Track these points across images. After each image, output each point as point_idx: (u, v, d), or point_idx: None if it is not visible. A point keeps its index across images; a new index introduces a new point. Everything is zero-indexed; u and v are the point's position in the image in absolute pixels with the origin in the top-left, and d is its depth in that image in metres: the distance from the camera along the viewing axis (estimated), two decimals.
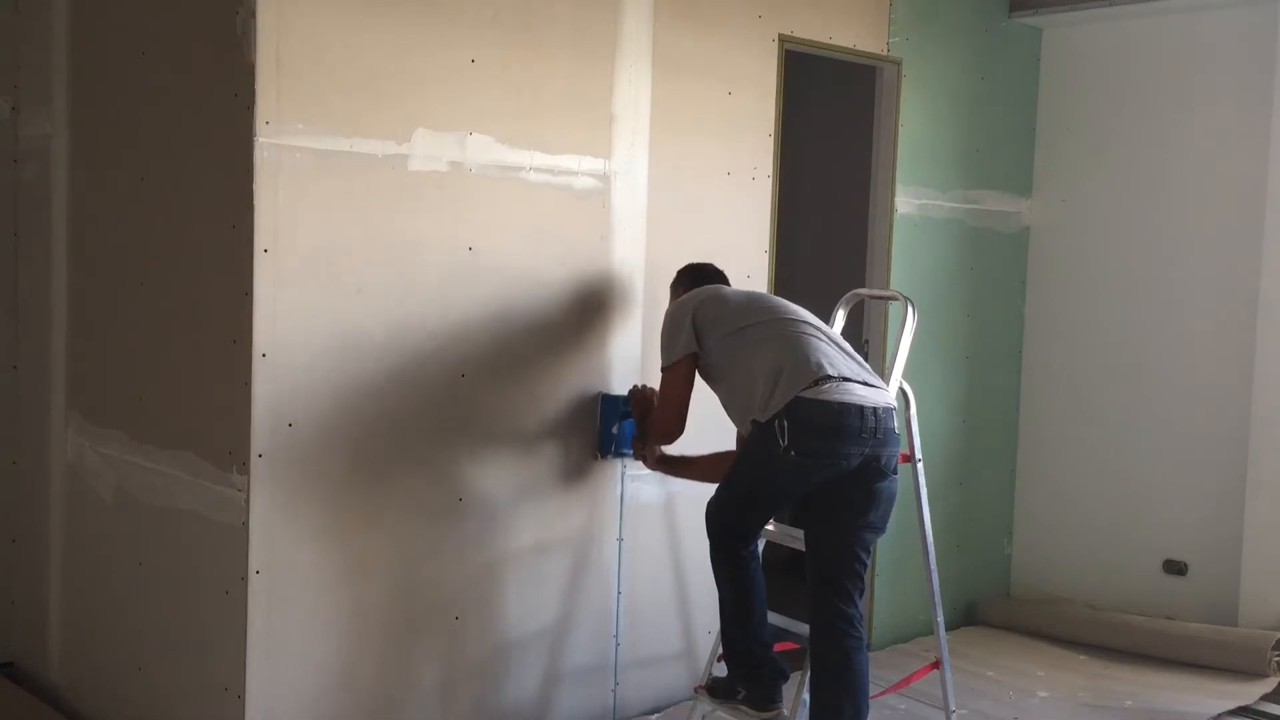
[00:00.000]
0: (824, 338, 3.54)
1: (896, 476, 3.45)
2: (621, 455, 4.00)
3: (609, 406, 3.97)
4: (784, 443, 3.31)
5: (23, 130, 4.25)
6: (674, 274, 4.01)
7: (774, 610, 3.70)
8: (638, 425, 3.90)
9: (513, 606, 3.85)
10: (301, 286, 3.31)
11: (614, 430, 3.96)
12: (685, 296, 3.74)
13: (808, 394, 3.33)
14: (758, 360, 3.45)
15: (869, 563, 3.47)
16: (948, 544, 5.26)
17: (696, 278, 3.88)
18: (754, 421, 3.41)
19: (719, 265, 4.30)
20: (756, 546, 3.57)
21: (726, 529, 3.50)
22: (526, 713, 3.91)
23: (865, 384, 3.42)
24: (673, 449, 3.88)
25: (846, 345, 3.61)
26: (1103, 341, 5.45)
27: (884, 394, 3.46)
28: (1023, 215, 5.61)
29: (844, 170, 5.63)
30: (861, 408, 3.34)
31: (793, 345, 3.46)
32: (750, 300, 3.70)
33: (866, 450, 3.34)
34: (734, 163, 4.36)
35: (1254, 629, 4.97)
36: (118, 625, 3.87)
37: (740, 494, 3.49)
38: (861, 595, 3.43)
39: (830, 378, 3.36)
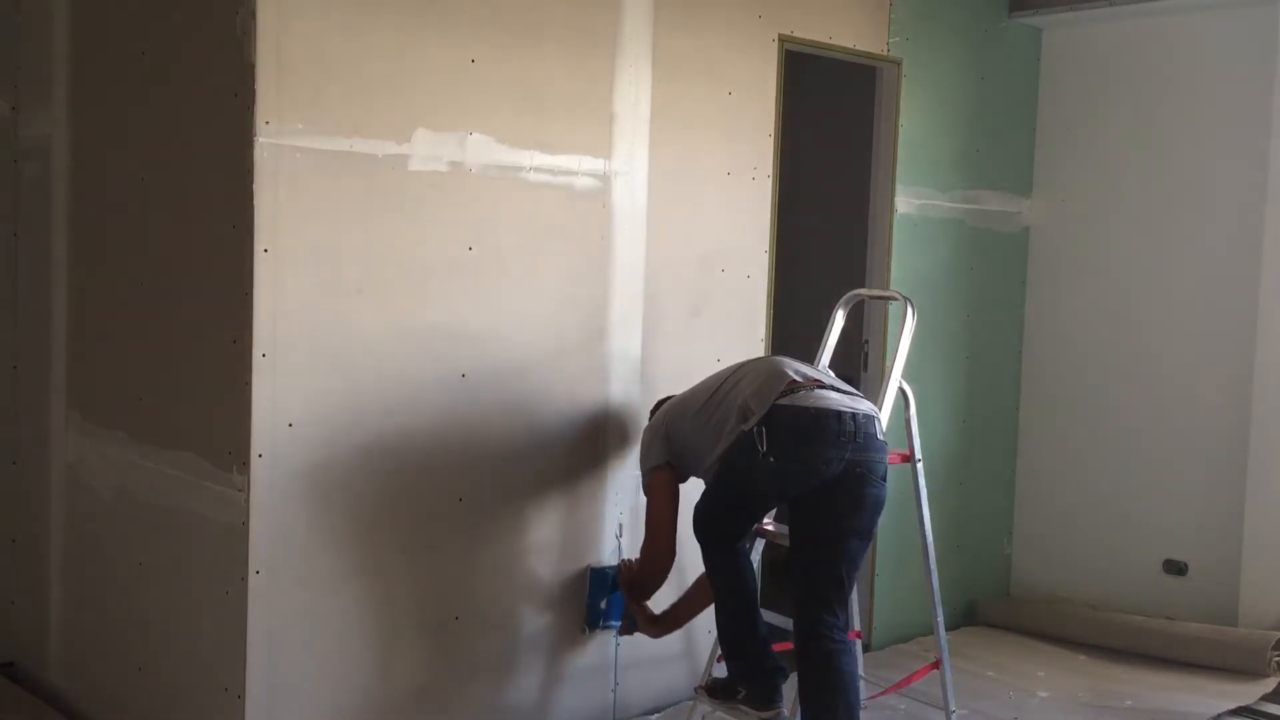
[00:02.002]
0: (794, 358, 3.60)
1: (885, 484, 3.43)
2: (609, 628, 4.00)
3: (597, 580, 3.97)
4: (763, 449, 3.33)
5: (23, 130, 4.25)
6: (674, 274, 4.02)
7: (773, 611, 3.71)
8: (626, 597, 3.88)
9: (513, 606, 3.85)
10: (301, 286, 3.31)
11: (602, 605, 3.95)
12: (660, 411, 3.79)
13: (784, 401, 3.37)
14: (734, 404, 3.47)
15: (854, 571, 3.43)
16: (948, 544, 5.25)
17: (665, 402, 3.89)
18: (739, 433, 3.42)
19: (718, 267, 4.32)
20: (745, 544, 3.60)
21: (712, 533, 3.53)
22: (526, 713, 3.91)
23: (842, 392, 3.46)
24: (654, 603, 3.89)
25: (829, 372, 3.67)
26: (1103, 341, 5.45)
27: (864, 402, 3.48)
28: (1023, 215, 5.61)
29: (844, 170, 5.63)
30: (839, 413, 3.35)
31: (761, 368, 3.54)
32: (718, 375, 3.69)
33: (847, 455, 3.34)
34: (734, 163, 4.36)
35: (1254, 629, 4.97)
36: (118, 625, 3.87)
37: (723, 503, 3.52)
38: (844, 603, 3.41)
39: (802, 384, 3.41)
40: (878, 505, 3.43)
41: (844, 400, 3.41)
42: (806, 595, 3.41)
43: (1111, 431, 5.43)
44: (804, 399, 3.37)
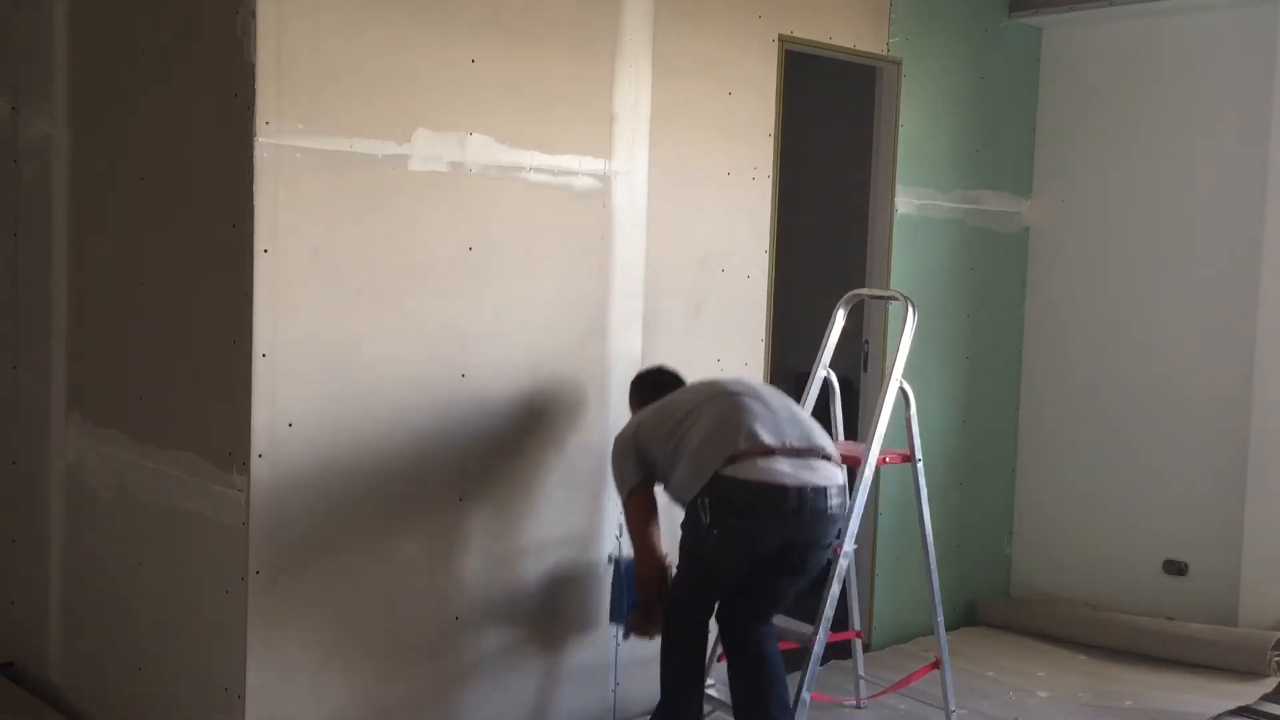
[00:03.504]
0: (761, 404, 3.42)
1: (827, 550, 3.41)
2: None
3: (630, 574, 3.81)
4: (706, 521, 3.27)
5: (23, 130, 4.25)
6: (674, 274, 4.01)
7: None
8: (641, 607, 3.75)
9: (512, 605, 3.85)
10: (301, 286, 3.31)
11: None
12: (631, 420, 3.69)
13: (727, 471, 3.25)
14: (689, 448, 3.38)
15: (781, 604, 3.53)
16: (948, 544, 5.26)
17: (645, 392, 3.78)
18: (686, 504, 3.39)
19: (718, 267, 4.31)
20: (704, 624, 3.54)
21: (683, 615, 3.51)
22: (526, 713, 3.91)
23: (798, 455, 3.30)
24: None
25: (797, 411, 3.50)
26: (1103, 342, 5.45)
27: (820, 471, 3.31)
28: (1023, 215, 5.61)
29: (844, 170, 5.64)
30: (784, 488, 3.22)
31: (718, 421, 3.38)
32: (688, 397, 3.56)
33: (789, 532, 3.27)
34: (734, 163, 4.36)
35: (1254, 629, 4.97)
36: (118, 625, 3.87)
37: (690, 587, 3.50)
38: (765, 622, 3.51)
39: (746, 453, 3.26)
40: (818, 567, 3.46)
41: (792, 473, 3.25)
42: (727, 611, 3.51)
43: (1111, 431, 5.43)
44: (746, 470, 3.23)
